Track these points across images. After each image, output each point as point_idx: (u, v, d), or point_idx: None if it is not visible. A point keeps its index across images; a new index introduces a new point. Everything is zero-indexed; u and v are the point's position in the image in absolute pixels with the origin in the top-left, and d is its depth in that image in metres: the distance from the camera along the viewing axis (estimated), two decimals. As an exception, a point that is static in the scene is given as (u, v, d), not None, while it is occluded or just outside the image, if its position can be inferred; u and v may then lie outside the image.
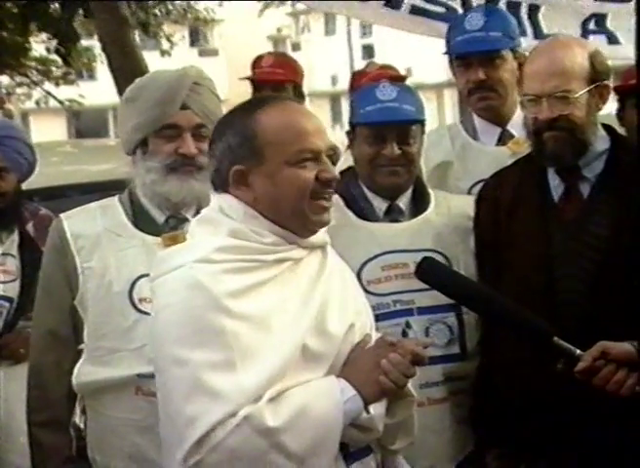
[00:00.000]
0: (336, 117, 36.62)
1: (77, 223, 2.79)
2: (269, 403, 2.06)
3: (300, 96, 4.69)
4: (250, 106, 2.28)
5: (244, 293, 2.14)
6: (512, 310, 2.50)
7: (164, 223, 2.76)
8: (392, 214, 3.03)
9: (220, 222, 2.24)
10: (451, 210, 3.05)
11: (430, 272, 2.49)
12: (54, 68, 12.55)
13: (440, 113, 34.73)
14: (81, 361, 2.72)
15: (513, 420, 2.80)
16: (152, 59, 10.12)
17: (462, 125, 3.55)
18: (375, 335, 2.36)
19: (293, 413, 2.06)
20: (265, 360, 2.09)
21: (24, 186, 3.91)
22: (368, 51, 38.41)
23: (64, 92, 13.46)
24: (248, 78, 4.71)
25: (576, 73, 2.69)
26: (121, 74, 8.11)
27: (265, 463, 2.04)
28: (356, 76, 4.89)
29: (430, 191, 3.11)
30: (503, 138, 3.41)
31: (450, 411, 2.93)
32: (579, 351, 2.42)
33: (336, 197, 3.02)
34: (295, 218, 2.23)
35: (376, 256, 2.94)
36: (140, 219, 2.77)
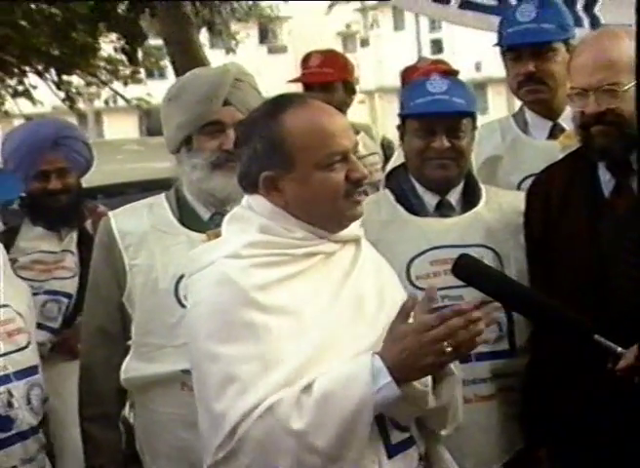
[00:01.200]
0: (405, 112, 36.49)
1: (124, 221, 2.83)
2: (299, 394, 2.04)
3: (351, 92, 4.68)
4: (274, 108, 2.25)
5: (274, 286, 2.14)
6: (552, 308, 2.46)
7: (209, 220, 2.79)
8: (443, 210, 3.01)
9: (250, 219, 2.25)
10: (502, 205, 3.02)
11: (467, 269, 2.46)
12: (121, 68, 12.71)
13: (509, 107, 34.42)
14: (129, 357, 2.76)
15: (563, 419, 2.77)
16: (218, 57, 10.19)
17: (514, 119, 3.52)
18: None
19: (317, 410, 2.03)
20: (296, 351, 2.09)
21: (88, 184, 3.97)
22: (437, 45, 38.23)
23: (134, 90, 13.62)
24: (297, 80, 4.70)
25: (624, 65, 2.61)
26: (184, 73, 8.16)
27: (292, 456, 2.03)
28: (407, 71, 4.85)
29: (482, 186, 3.08)
30: (555, 132, 3.36)
31: (497, 409, 2.90)
32: (620, 348, 2.37)
33: (386, 192, 3.06)
34: (329, 218, 2.23)
35: (425, 252, 2.92)
36: (186, 216, 2.80)
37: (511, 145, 3.43)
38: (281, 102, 2.28)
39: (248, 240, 2.20)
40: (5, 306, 2.73)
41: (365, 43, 44.77)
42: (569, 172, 2.86)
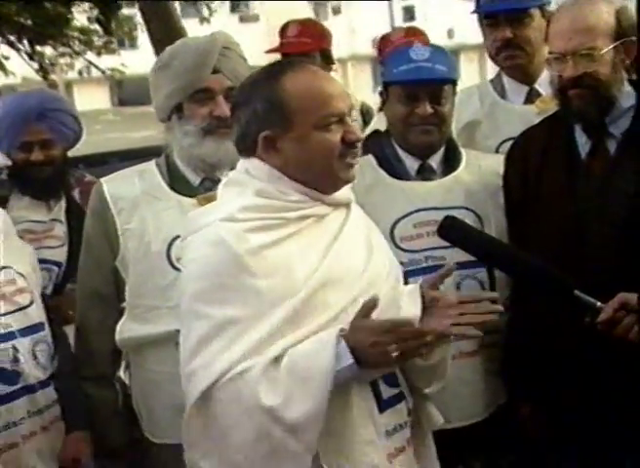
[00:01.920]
0: (377, 80, 36.40)
1: (116, 187, 2.90)
2: (269, 366, 2.11)
3: (328, 61, 4.72)
4: (273, 71, 2.33)
5: (266, 249, 2.21)
6: (534, 265, 2.56)
7: (199, 185, 2.87)
8: (424, 173, 3.09)
9: (247, 183, 2.32)
10: (481, 168, 3.11)
11: (452, 230, 2.55)
12: (95, 38, 12.65)
13: (482, 73, 34.45)
14: (123, 318, 2.84)
15: (542, 375, 2.86)
16: (192, 27, 10.16)
17: (492, 84, 3.59)
18: (403, 289, 2.44)
19: (286, 385, 2.10)
20: (278, 311, 2.16)
21: (70, 154, 4.01)
22: (409, 12, 38.07)
23: (106, 61, 13.54)
24: (275, 50, 4.75)
25: (600, 30, 2.70)
26: (161, 43, 8.17)
27: (255, 422, 2.10)
28: (382, 41, 4.89)
29: (462, 150, 3.17)
30: (531, 97, 3.45)
31: (480, 364, 2.99)
32: (599, 303, 2.48)
33: (369, 157, 3.13)
34: (323, 178, 2.31)
35: (408, 214, 3.00)
36: (177, 182, 2.88)
37: (489, 110, 3.51)
38: (281, 66, 2.37)
39: (243, 203, 2.27)
40: (6, 267, 2.81)
41: (337, 11, 44.41)
42: (546, 134, 2.94)
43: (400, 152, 3.10)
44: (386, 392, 2.31)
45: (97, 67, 13.26)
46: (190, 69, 2.78)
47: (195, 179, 2.88)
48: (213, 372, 2.12)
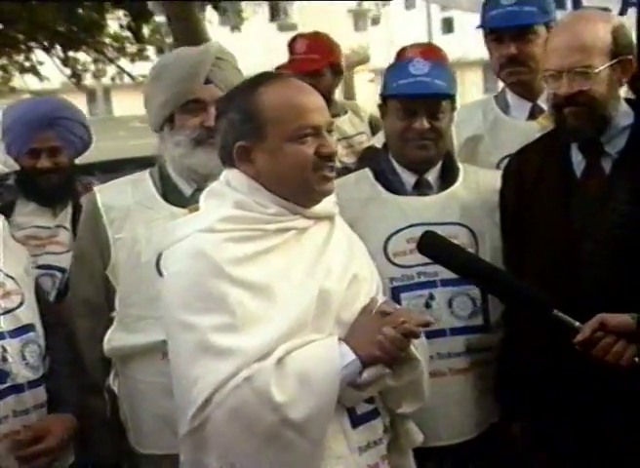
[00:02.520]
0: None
1: (109, 196, 2.91)
2: (275, 368, 2.13)
3: (338, 73, 4.71)
4: (252, 83, 2.35)
5: (246, 261, 2.22)
6: (513, 283, 2.54)
7: (191, 196, 2.87)
8: (421, 188, 3.07)
9: (226, 194, 2.33)
10: (479, 184, 3.09)
11: (431, 246, 2.53)
12: (128, 45, 12.75)
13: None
14: (112, 327, 2.85)
15: (535, 393, 2.83)
16: (223, 36, 10.18)
17: (495, 99, 3.58)
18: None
19: (295, 384, 2.13)
20: (268, 324, 2.18)
21: (85, 160, 4.05)
22: (447, 24, 38.06)
23: (141, 67, 13.61)
24: (284, 67, 4.74)
25: (597, 48, 2.68)
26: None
27: (267, 427, 2.12)
28: (397, 57, 4.89)
29: (460, 165, 3.15)
30: (534, 113, 3.42)
31: (472, 382, 2.97)
32: (578, 323, 2.45)
33: (366, 170, 3.12)
34: (299, 190, 2.32)
35: (402, 229, 2.98)
36: (169, 192, 2.89)
37: (492, 125, 3.49)
38: (261, 78, 2.38)
39: (222, 214, 2.28)
40: None
41: (376, 21, 44.49)
42: (543, 152, 2.92)
43: (397, 166, 3.09)
44: (361, 408, 2.32)
45: (128, 74, 13.36)
46: (182, 80, 2.79)
47: (188, 190, 2.89)
48: (212, 381, 2.13)
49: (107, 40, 12.57)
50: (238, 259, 2.21)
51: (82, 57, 12.38)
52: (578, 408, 2.71)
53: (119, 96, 35.78)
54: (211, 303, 2.17)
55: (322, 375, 2.16)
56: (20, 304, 2.84)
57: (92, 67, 12.57)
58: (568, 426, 2.77)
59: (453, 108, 3.09)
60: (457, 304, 2.91)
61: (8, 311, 2.79)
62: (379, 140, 3.83)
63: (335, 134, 4.32)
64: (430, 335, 2.85)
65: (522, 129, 3.36)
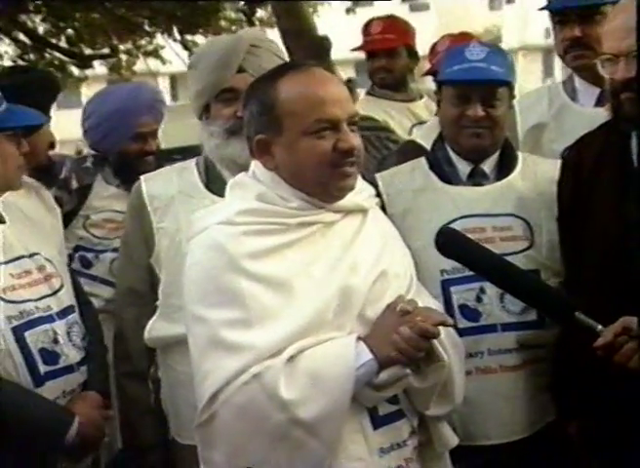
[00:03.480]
0: (547, 71, 35.59)
1: (155, 185, 2.91)
2: (286, 365, 2.08)
3: (413, 57, 4.63)
4: (272, 74, 2.29)
5: (264, 255, 2.17)
6: (536, 284, 2.43)
7: None
8: (476, 178, 2.97)
9: (250, 186, 2.29)
10: (537, 174, 2.96)
11: (449, 244, 2.43)
12: (245, 28, 12.78)
13: None
14: (155, 317, 2.85)
15: (594, 391, 2.71)
16: (337, 18, 10.16)
17: (563, 85, 3.43)
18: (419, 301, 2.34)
19: (306, 383, 2.08)
20: (283, 321, 2.12)
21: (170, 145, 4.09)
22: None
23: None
24: (360, 48, 4.68)
25: None
26: (289, 34, 8.23)
27: (274, 425, 2.07)
28: (430, 52, 4.78)
29: (519, 155, 3.03)
30: (602, 99, 3.24)
31: (524, 379, 2.85)
32: (600, 326, 2.32)
33: (421, 160, 3.04)
34: (316, 186, 2.24)
35: (454, 220, 2.88)
36: (213, 181, 2.86)
37: (557, 112, 3.35)
38: (282, 69, 2.32)
39: (243, 207, 2.24)
40: (34, 254, 2.85)
41: (511, 0, 43.72)
42: (602, 141, 2.77)
43: (452, 156, 2.99)
44: (384, 409, 2.24)
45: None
46: (215, 69, 2.76)
47: (230, 179, 2.84)
48: (221, 376, 2.10)
49: (224, 23, 12.69)
50: (255, 253, 2.16)
51: (200, 40, 12.53)
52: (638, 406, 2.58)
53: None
54: (225, 297, 2.13)
55: (335, 375, 2.10)
56: (61, 287, 2.88)
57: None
58: (627, 426, 2.63)
59: (511, 96, 2.97)
60: (509, 299, 2.78)
61: (52, 293, 2.83)
62: (422, 135, 3.75)
63: (410, 117, 4.24)
64: (481, 331, 2.82)
65: (588, 116, 3.19)
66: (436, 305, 2.46)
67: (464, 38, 4.01)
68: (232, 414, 2.10)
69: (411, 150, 3.61)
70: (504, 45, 33.84)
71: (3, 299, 2.68)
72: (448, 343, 2.31)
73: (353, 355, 2.12)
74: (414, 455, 2.30)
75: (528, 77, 31.73)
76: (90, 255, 3.73)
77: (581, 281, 2.72)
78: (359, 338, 2.17)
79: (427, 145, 3.33)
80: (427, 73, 4.41)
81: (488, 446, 2.84)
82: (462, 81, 2.90)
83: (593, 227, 2.68)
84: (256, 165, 2.31)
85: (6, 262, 2.76)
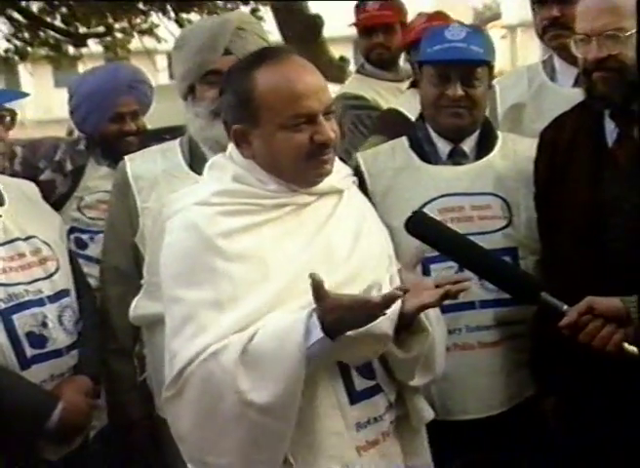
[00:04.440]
0: (546, 48, 35.38)
1: (139, 165, 2.95)
2: (242, 344, 2.09)
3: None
4: (248, 64, 2.29)
5: (238, 233, 2.20)
6: (501, 265, 2.48)
7: None
8: (455, 157, 3.01)
9: (227, 167, 2.32)
10: (517, 153, 3.01)
11: (417, 226, 2.48)
12: (242, 6, 12.75)
13: None
14: (139, 295, 2.89)
15: (569, 367, 2.76)
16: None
17: (543, 65, 3.46)
18: (396, 279, 2.37)
19: (257, 365, 2.08)
20: (253, 296, 2.15)
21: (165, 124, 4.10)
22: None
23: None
24: (355, 24, 4.69)
25: (628, 11, 2.52)
26: (281, 11, 8.22)
27: (229, 404, 2.10)
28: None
29: (499, 134, 3.07)
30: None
31: (503, 355, 2.91)
32: (566, 306, 2.37)
33: (402, 139, 3.08)
34: (294, 175, 2.28)
35: (434, 199, 2.94)
36: (196, 162, 2.89)
37: (536, 92, 3.38)
38: (258, 57, 2.31)
39: (219, 188, 2.28)
40: (31, 237, 2.89)
41: (509, -24, 43.50)
42: (577, 120, 2.80)
43: (433, 135, 3.03)
44: (360, 384, 2.28)
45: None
46: (200, 50, 2.79)
47: (214, 159, 2.88)
48: (186, 355, 2.13)
49: (219, 2, 12.64)
50: (229, 232, 2.20)
51: (195, 18, 12.47)
52: (615, 383, 2.62)
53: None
54: (198, 277, 2.17)
55: (284, 356, 2.07)
56: (57, 270, 2.91)
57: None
58: (603, 402, 2.69)
59: (490, 76, 3.00)
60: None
61: (46, 277, 2.87)
62: (401, 103, 3.77)
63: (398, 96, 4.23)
64: (459, 308, 2.86)
65: (566, 95, 3.22)
66: None
67: (440, 16, 4.04)
68: (194, 391, 2.13)
69: (391, 117, 3.65)
70: (504, 21, 33.68)
71: None
72: (432, 315, 2.35)
73: (301, 334, 2.07)
74: (390, 430, 2.34)
75: (527, 53, 31.55)
76: (85, 237, 3.74)
77: (557, 259, 2.77)
78: (313, 311, 2.10)
79: (407, 112, 3.37)
80: (403, 45, 4.40)
81: (466, 420, 2.90)
82: (442, 61, 2.93)
83: (568, 206, 2.72)
84: (232, 148, 2.35)
85: (0, 244, 2.81)
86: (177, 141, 2.98)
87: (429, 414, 2.47)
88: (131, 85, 3.82)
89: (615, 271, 2.55)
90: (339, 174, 2.42)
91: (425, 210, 2.91)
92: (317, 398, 2.20)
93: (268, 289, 2.17)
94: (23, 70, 18.82)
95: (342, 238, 2.33)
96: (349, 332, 2.09)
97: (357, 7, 4.69)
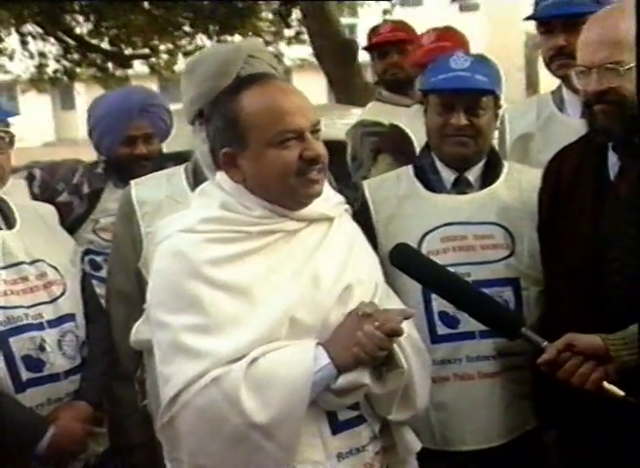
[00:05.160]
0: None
1: (144, 190, 2.98)
2: (245, 370, 2.13)
3: None
4: (233, 89, 2.34)
5: (225, 262, 2.22)
6: (482, 299, 2.46)
7: None
8: (460, 186, 3.01)
9: (214, 195, 2.35)
10: (521, 183, 3.00)
11: (401, 258, 2.47)
12: (286, 29, 12.87)
13: None
14: (141, 319, 2.90)
15: (570, 399, 2.73)
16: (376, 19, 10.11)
17: (552, 95, 3.44)
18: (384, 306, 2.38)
19: (263, 387, 2.12)
20: (244, 327, 2.17)
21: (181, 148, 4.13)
22: None
23: (299, 51, 13.72)
24: (369, 47, 4.71)
25: (628, 43, 2.49)
26: (316, 35, 8.26)
27: (232, 429, 2.13)
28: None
29: (505, 164, 3.06)
30: (589, 110, 3.26)
31: (502, 386, 2.89)
32: (545, 343, 2.35)
33: (408, 167, 3.08)
34: (284, 195, 2.29)
35: (437, 228, 2.93)
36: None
37: (545, 122, 3.37)
38: (243, 82, 2.37)
39: (206, 215, 2.31)
40: (37, 261, 2.93)
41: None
42: (581, 151, 2.78)
43: (438, 164, 3.03)
44: (343, 414, 2.29)
45: (276, 57, 13.48)
46: (212, 77, 2.80)
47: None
48: (179, 381, 2.16)
49: (264, 24, 12.77)
50: (216, 260, 2.22)
51: (238, 40, 12.57)
52: (618, 417, 2.59)
53: (300, 77, 36.21)
54: (185, 303, 2.19)
55: (292, 379, 2.14)
56: (62, 294, 2.94)
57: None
58: (606, 437, 2.65)
59: (497, 105, 3.00)
60: None
61: (50, 301, 2.90)
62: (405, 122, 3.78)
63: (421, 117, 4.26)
64: (459, 338, 2.86)
65: (574, 126, 3.20)
66: None
67: (449, 33, 4.03)
68: (192, 417, 2.16)
69: (394, 134, 3.65)
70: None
71: None
72: (410, 350, 2.35)
73: (311, 359, 2.16)
74: (375, 461, 2.34)
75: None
76: (99, 259, 3.78)
77: (558, 291, 2.75)
78: (318, 343, 2.21)
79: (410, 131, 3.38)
80: (413, 64, 4.40)
81: (464, 451, 2.88)
82: (446, 90, 2.94)
83: (569, 238, 2.70)
84: (220, 175, 2.37)
85: (2, 268, 2.85)
86: (182, 167, 3.01)
87: (416, 445, 2.47)
88: (143, 108, 3.85)
89: (614, 305, 2.52)
90: (329, 201, 2.44)
91: (429, 238, 2.93)
92: None
93: (257, 321, 2.19)
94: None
95: (330, 266, 2.34)
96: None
97: (370, 31, 4.73)
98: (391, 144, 3.26)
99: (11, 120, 3.05)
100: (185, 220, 2.31)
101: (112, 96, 4.14)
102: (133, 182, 3.03)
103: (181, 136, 2.97)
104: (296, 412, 2.14)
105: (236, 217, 2.29)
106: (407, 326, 2.33)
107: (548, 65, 3.34)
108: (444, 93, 2.95)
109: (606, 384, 2.30)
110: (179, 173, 3.00)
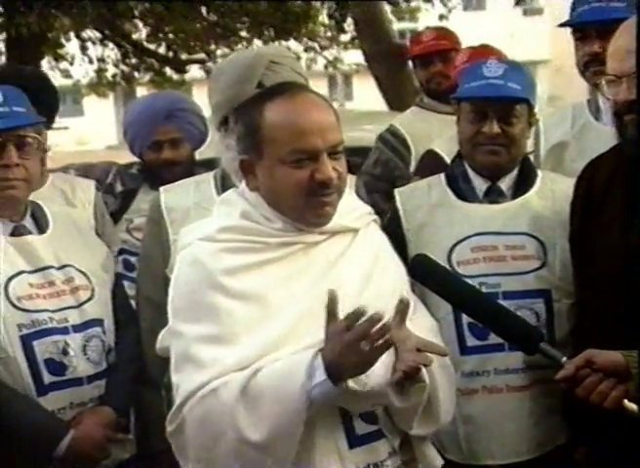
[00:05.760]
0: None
1: (172, 197, 2.99)
2: (243, 382, 2.10)
3: None
4: (260, 97, 2.32)
5: (242, 272, 2.21)
6: (501, 313, 2.40)
7: None
8: (492, 196, 2.97)
9: (236, 204, 2.34)
10: (555, 193, 2.95)
11: (420, 269, 2.43)
12: (342, 34, 12.83)
13: None
14: (167, 327, 2.91)
15: (602, 414, 2.67)
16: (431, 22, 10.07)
17: (588, 103, 3.38)
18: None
19: (257, 403, 2.09)
20: (256, 335, 2.16)
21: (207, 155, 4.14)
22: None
23: (355, 56, 13.68)
24: (412, 57, 4.68)
25: None
26: (367, 40, 8.23)
27: (229, 442, 2.11)
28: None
29: (539, 173, 3.02)
30: (625, 117, 3.19)
31: (532, 400, 2.84)
32: (565, 358, 2.29)
33: (440, 175, 3.05)
34: (294, 213, 2.27)
35: (467, 238, 2.90)
36: None
37: (580, 131, 3.30)
38: (271, 91, 2.35)
39: (225, 224, 2.30)
40: (66, 266, 2.94)
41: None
42: (614, 161, 2.73)
43: (470, 173, 3.00)
44: (361, 428, 2.25)
45: (329, 62, 13.49)
46: (234, 83, 2.80)
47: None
48: (185, 390, 2.16)
49: (319, 29, 12.75)
50: (233, 269, 2.21)
51: (293, 46, 12.61)
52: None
53: (360, 82, 36.22)
54: (200, 313, 2.19)
55: (285, 396, 2.08)
56: (89, 299, 2.94)
57: (303, 56, 12.78)
58: (637, 454, 2.59)
59: (531, 113, 2.96)
60: None
61: (76, 306, 2.91)
62: (440, 145, 3.74)
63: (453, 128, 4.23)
64: (489, 350, 2.82)
65: (609, 135, 3.09)
66: (430, 323, 2.47)
67: (484, 51, 3.98)
68: (193, 426, 2.15)
69: (429, 160, 3.62)
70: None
71: (17, 307, 2.78)
72: (436, 364, 2.29)
73: (304, 375, 2.07)
74: None
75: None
76: (133, 259, 3.79)
77: (588, 303, 2.70)
78: (319, 352, 2.10)
79: (446, 155, 3.34)
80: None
81: (491, 465, 2.84)
82: (478, 98, 2.91)
83: (599, 249, 2.65)
84: (243, 183, 2.36)
85: (30, 272, 2.86)
86: (211, 174, 3.00)
87: (438, 462, 2.42)
88: (170, 113, 3.88)
89: (642, 320, 2.46)
90: (354, 212, 2.41)
91: (459, 248, 2.89)
92: (315, 440, 2.18)
93: (270, 329, 2.17)
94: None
95: (352, 277, 2.31)
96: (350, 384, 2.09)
97: (412, 39, 4.69)
98: (425, 169, 3.21)
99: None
100: (206, 228, 2.31)
101: (142, 101, 4.20)
102: (162, 189, 3.04)
103: (216, 143, 2.95)
104: (290, 429, 2.08)
105: (256, 228, 2.28)
106: (434, 339, 2.31)
107: (583, 72, 3.27)
108: (476, 101, 2.91)
109: (626, 402, 2.22)
110: (207, 180, 3.00)
